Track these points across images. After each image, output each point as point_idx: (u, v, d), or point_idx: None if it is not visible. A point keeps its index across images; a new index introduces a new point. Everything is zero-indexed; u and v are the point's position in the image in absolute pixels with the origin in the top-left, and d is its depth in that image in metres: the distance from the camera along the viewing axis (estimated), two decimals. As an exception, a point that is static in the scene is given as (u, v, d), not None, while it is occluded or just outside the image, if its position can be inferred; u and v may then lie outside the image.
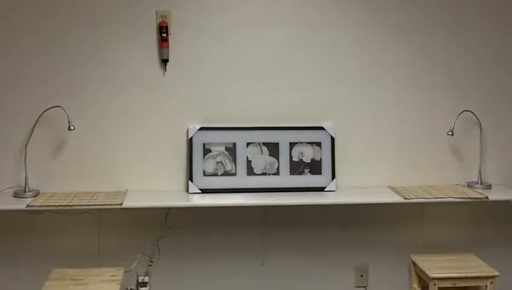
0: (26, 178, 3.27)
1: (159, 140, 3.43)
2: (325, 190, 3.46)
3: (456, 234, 3.67)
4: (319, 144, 3.48)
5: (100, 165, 3.40)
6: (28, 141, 3.28)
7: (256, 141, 3.45)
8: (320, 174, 3.47)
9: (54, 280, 3.10)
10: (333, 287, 3.63)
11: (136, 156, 3.43)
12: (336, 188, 3.47)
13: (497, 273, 3.23)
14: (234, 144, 3.43)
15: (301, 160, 3.47)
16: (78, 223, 3.40)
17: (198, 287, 3.53)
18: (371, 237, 3.63)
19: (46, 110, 3.27)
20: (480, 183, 3.55)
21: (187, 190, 3.41)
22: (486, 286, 3.22)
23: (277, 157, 3.45)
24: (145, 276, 3.47)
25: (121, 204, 3.14)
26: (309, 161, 3.48)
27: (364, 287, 3.66)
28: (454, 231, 3.67)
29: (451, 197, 3.33)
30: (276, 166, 3.45)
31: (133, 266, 3.42)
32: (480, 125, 3.56)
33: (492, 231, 3.69)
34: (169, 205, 3.28)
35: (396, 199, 3.32)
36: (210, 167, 3.42)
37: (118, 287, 3.04)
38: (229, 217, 3.51)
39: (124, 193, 3.33)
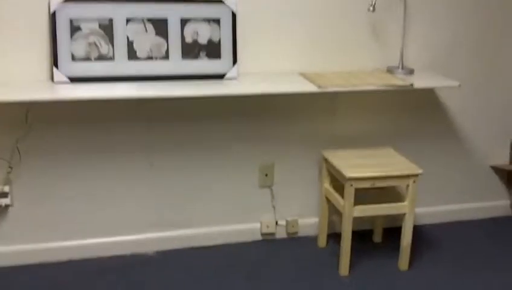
0: None
1: (14, 15, 2.66)
2: (225, 77, 2.87)
3: (372, 125, 3.24)
4: (217, 21, 2.84)
5: None
6: None
7: (139, 16, 2.76)
8: (219, 58, 2.86)
9: None
10: (235, 188, 3.16)
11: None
12: (238, 74, 2.89)
13: (420, 171, 2.84)
14: (111, 20, 2.72)
15: (196, 41, 2.84)
16: None
17: (71, 194, 2.93)
18: (277, 132, 3.13)
19: None
20: (402, 68, 3.09)
21: (52, 79, 2.70)
22: (408, 185, 2.84)
23: (166, 38, 2.79)
24: (4, 185, 2.81)
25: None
26: (205, 43, 2.85)
27: (269, 187, 3.20)
28: (369, 123, 3.24)
29: (372, 86, 2.85)
30: (165, 49, 2.80)
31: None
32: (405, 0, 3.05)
33: (412, 123, 3.29)
34: (28, 99, 2.57)
35: (308, 88, 2.79)
36: (80, 49, 2.71)
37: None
38: (105, 111, 2.87)
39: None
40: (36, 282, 2.79)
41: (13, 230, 2.89)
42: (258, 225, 3.23)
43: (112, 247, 3.03)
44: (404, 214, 2.88)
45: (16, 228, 2.89)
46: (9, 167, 2.79)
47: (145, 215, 3.07)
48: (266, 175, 3.18)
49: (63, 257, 2.96)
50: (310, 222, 3.28)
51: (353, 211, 2.79)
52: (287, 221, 3.26)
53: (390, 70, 3.11)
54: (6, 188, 2.81)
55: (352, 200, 2.76)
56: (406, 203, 2.86)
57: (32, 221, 2.91)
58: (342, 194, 2.85)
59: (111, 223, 3.03)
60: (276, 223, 3.24)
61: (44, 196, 2.90)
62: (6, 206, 2.84)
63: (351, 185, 2.76)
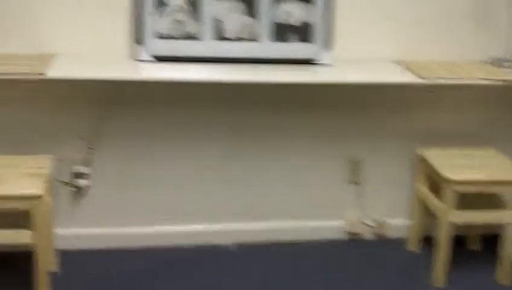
0: None
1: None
2: (318, 63, 2.66)
3: (471, 122, 2.95)
4: (311, 2, 2.63)
5: (19, 17, 2.53)
6: None
7: (229, -6, 2.59)
8: (312, 42, 2.65)
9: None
10: (319, 182, 2.95)
11: (68, 8, 2.56)
12: (332, 61, 2.67)
13: (529, 176, 2.55)
14: (199, -4, 2.57)
15: (287, 22, 2.64)
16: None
17: (150, 179, 2.81)
18: (368, 125, 2.90)
19: None
20: (508, 61, 2.78)
21: (135, 56, 2.57)
22: (515, 193, 2.56)
23: (256, 18, 2.61)
24: (84, 166, 2.71)
25: (43, 74, 2.31)
26: (298, 24, 2.64)
27: (357, 183, 2.98)
28: (468, 119, 2.95)
29: (482, 80, 2.56)
30: (255, 29, 2.61)
31: (66, 154, 2.66)
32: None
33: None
34: (112, 78, 2.45)
35: (409, 78, 2.54)
36: (165, 27, 2.56)
37: (43, 183, 2.30)
38: (188, 93, 2.72)
39: (50, 58, 2.49)
40: (108, 268, 2.69)
41: (90, 213, 2.80)
42: (342, 223, 3.02)
43: (189, 236, 2.90)
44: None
45: (93, 211, 2.80)
46: (90, 148, 2.69)
47: (224, 205, 2.92)
48: (354, 170, 2.95)
49: (138, 243, 2.86)
50: (398, 223, 3.04)
51: (453, 217, 2.53)
52: (374, 221, 3.03)
53: (495, 62, 2.81)
54: (86, 169, 2.72)
55: (453, 204, 2.50)
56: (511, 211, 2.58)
57: (110, 204, 2.81)
58: (439, 197, 2.59)
59: (189, 212, 2.90)
60: (363, 222, 3.02)
61: (123, 179, 2.79)
62: (85, 187, 2.75)
63: (453, 189, 2.50)
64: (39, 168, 2.42)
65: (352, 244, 3.00)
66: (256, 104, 2.78)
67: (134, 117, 2.71)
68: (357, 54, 2.75)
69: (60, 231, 2.71)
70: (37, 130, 2.64)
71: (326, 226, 3.01)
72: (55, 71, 2.34)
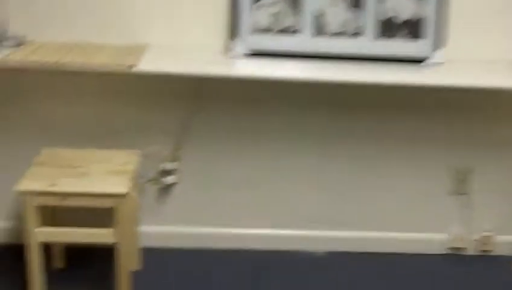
0: (6, 22, 2.35)
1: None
2: (427, 61, 2.41)
3: None
4: (423, -5, 2.39)
5: (112, 7, 2.44)
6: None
7: (332, -15, 2.38)
8: (423, 38, 2.41)
9: (41, 165, 2.27)
10: (419, 191, 2.72)
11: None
12: (444, 60, 2.42)
13: None
14: (300, -12, 2.38)
15: (395, 17, 2.40)
16: (77, 88, 2.52)
17: (237, 179, 2.68)
18: (479, 131, 2.63)
19: None
20: None
21: (230, 50, 2.42)
22: None
23: (360, 12, 2.39)
24: (172, 162, 2.60)
25: (132, 67, 2.20)
26: (407, 19, 2.40)
27: (462, 194, 2.71)
28: None
29: None
30: (359, 24, 2.40)
31: (154, 150, 2.56)
32: None
33: None
34: (204, 73, 2.30)
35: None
36: (263, 20, 2.39)
37: (129, 180, 2.20)
38: (284, 91, 2.55)
39: (142, 49, 2.38)
40: (191, 268, 2.58)
41: (176, 210, 2.70)
42: (443, 236, 2.77)
43: (276, 241, 2.75)
44: None
45: (178, 209, 2.69)
46: (178, 144, 2.58)
47: (315, 210, 2.74)
48: (460, 180, 2.69)
49: (223, 244, 2.73)
50: (507, 240, 2.75)
51: None
52: (480, 235, 2.76)
53: None
54: (173, 166, 2.60)
55: None
56: None
57: (196, 203, 2.69)
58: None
59: (278, 215, 2.74)
60: (467, 237, 2.75)
61: (210, 177, 2.66)
62: (171, 184, 2.64)
63: None
64: (125, 164, 2.32)
65: (454, 259, 2.75)
66: (354, 105, 2.57)
67: (223, 114, 2.57)
68: (472, 53, 2.48)
69: (144, 228, 2.62)
70: (124, 124, 2.55)
71: (426, 238, 2.77)
72: (146, 64, 2.22)
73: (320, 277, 2.56)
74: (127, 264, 2.23)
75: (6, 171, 2.42)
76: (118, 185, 2.15)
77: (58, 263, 2.53)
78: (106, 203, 2.14)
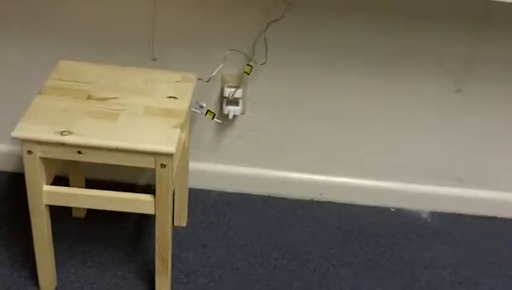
0: None
1: None
2: None
3: None
4: None
5: None
6: None
7: None
8: None
9: (52, 93, 1.58)
10: None
11: None
12: None
13: None
14: None
15: None
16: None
17: (326, 109, 1.96)
18: None
19: None
20: None
21: None
22: None
23: None
24: (236, 88, 1.87)
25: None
26: None
27: None
28: None
29: None
30: None
31: (215, 72, 1.83)
32: None
33: None
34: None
35: None
36: None
37: (179, 128, 1.50)
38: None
39: None
40: (249, 216, 1.96)
41: (237, 149, 2.01)
42: None
43: (369, 195, 2.07)
44: None
45: (241, 147, 2.01)
46: (249, 65, 1.83)
47: (425, 162, 2.02)
48: None
49: (295, 192, 2.08)
50: None
51: None
52: None
53: None
54: (238, 93, 1.87)
55: None
56: None
57: (265, 141, 2.00)
58: None
59: (373, 166, 2.04)
60: None
61: (284, 111, 1.94)
62: (235, 117, 1.93)
63: None
64: (177, 96, 1.61)
65: None
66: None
67: (316, 24, 1.79)
68: None
69: (198, 166, 1.97)
70: (177, 33, 1.81)
71: None
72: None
73: (423, 243, 1.93)
74: (168, 230, 1.58)
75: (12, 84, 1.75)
76: (163, 137, 1.46)
77: (79, 212, 1.91)
78: (143, 162, 1.47)
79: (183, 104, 1.59)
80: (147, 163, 1.46)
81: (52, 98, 1.55)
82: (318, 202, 2.08)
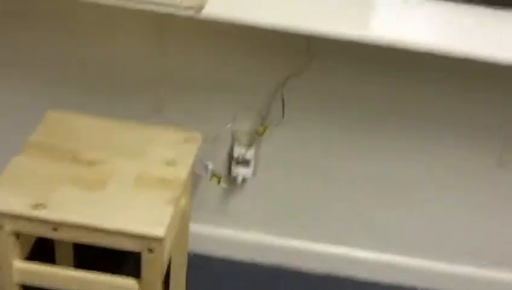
0: None
1: None
2: None
3: None
4: None
5: None
6: None
7: None
8: None
9: (32, 152, 1.37)
10: None
11: None
12: None
13: None
14: None
15: None
16: (110, 21, 1.55)
17: (344, 174, 1.72)
18: None
19: None
20: None
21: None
22: None
23: None
24: (247, 148, 1.65)
25: (200, 10, 1.21)
26: None
27: None
28: None
29: None
30: None
31: (224, 129, 1.62)
32: None
33: None
34: (307, 31, 1.29)
35: None
36: None
37: (173, 205, 1.28)
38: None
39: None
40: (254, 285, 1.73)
41: (247, 212, 1.79)
42: None
43: (386, 271, 1.83)
44: None
45: (250, 212, 1.79)
46: (262, 125, 1.61)
47: (460, 239, 1.77)
48: None
49: (310, 264, 1.84)
50: None
51: None
52: None
53: None
54: (249, 154, 1.66)
55: None
56: None
57: (275, 206, 1.78)
58: None
59: (402, 240, 1.80)
60: None
61: (301, 174, 1.72)
62: (244, 180, 1.71)
63: None
64: (175, 160, 1.39)
65: None
66: None
67: (335, 79, 1.56)
68: None
69: (201, 229, 1.75)
70: (177, 87, 1.60)
71: None
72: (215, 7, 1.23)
73: None
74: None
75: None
76: (152, 217, 1.25)
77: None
78: (127, 245, 1.25)
79: (182, 172, 1.37)
80: (132, 246, 1.24)
81: (33, 160, 1.35)
82: (336, 277, 1.84)
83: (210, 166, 1.64)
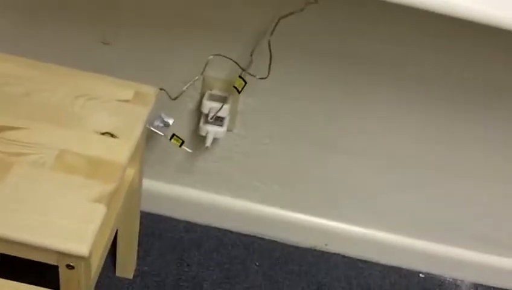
0: None
1: None
2: None
3: None
4: None
5: None
6: None
7: None
8: None
9: None
10: None
11: None
12: None
13: None
14: None
15: None
16: None
17: (332, 135, 1.37)
18: None
19: None
20: None
21: None
22: None
23: None
24: (222, 103, 1.27)
25: None
26: None
27: None
28: None
29: None
30: None
31: (186, 87, 1.23)
32: None
33: None
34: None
35: None
36: None
37: (104, 202, 0.93)
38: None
39: None
40: (224, 255, 1.42)
41: (219, 174, 1.45)
42: None
43: (388, 252, 1.53)
44: None
45: (223, 172, 1.45)
46: (241, 77, 1.22)
47: (471, 222, 1.46)
48: None
49: (290, 237, 1.53)
50: None
51: None
52: None
53: None
54: (224, 111, 1.27)
55: None
56: None
57: (256, 168, 1.43)
58: None
59: (401, 217, 1.48)
60: None
61: (286, 132, 1.36)
62: (215, 140, 1.35)
63: None
64: (114, 136, 1.03)
65: None
66: None
67: (334, 34, 1.17)
68: None
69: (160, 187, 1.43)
70: (132, 17, 1.20)
71: None
72: None
73: None
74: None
75: None
76: (73, 223, 0.89)
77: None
78: (40, 257, 0.91)
79: (123, 150, 1.00)
80: (47, 259, 0.90)
81: None
82: (322, 252, 1.54)
83: (171, 121, 1.27)
